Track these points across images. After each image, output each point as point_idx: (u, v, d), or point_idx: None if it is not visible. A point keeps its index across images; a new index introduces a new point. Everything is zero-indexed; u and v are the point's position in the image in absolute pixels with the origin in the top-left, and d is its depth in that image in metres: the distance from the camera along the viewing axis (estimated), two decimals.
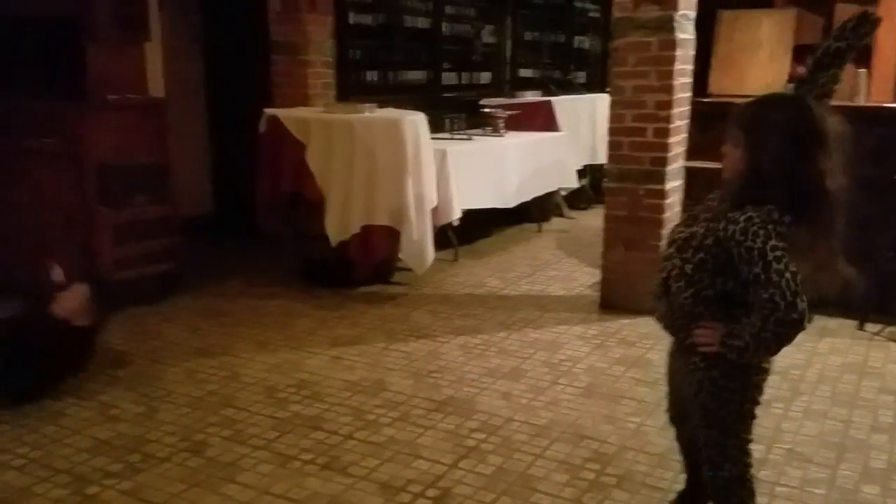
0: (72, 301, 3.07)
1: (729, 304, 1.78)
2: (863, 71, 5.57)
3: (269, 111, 4.57)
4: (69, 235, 4.10)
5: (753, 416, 1.89)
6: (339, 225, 4.30)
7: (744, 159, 1.75)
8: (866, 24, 1.85)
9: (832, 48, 1.83)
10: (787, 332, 1.65)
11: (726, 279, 1.75)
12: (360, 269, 4.51)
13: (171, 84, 5.17)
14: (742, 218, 1.68)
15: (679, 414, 2.11)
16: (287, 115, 4.49)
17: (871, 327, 3.90)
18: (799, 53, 6.10)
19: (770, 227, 1.66)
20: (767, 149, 1.70)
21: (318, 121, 4.39)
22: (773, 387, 3.04)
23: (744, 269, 1.68)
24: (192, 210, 5.34)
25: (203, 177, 6.04)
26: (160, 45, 4.90)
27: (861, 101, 5.10)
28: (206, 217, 5.90)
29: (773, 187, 1.69)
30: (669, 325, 1.90)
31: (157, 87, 4.89)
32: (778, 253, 1.64)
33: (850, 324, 3.93)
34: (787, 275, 1.62)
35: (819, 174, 1.68)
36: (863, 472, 2.55)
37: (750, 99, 1.83)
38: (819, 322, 3.95)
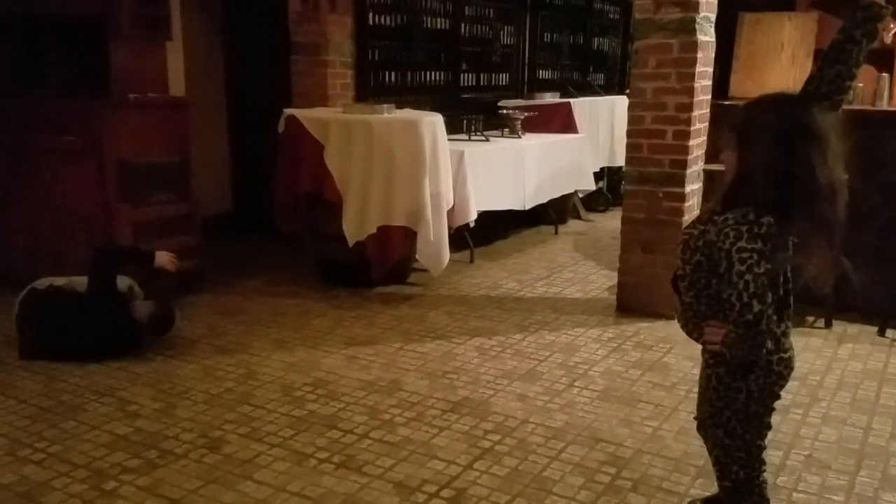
0: (165, 257, 3.70)
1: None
2: (885, 75, 5.51)
3: (288, 111, 4.60)
4: (91, 232, 4.15)
5: (763, 422, 1.88)
6: (356, 225, 4.31)
7: (736, 162, 1.77)
8: (869, 14, 1.83)
9: (835, 42, 1.82)
10: (743, 333, 1.67)
11: (720, 280, 1.76)
12: (377, 269, 4.52)
13: (193, 83, 5.22)
14: (720, 220, 1.72)
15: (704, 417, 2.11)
16: (306, 115, 4.51)
17: (891, 333, 3.85)
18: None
19: (743, 228, 1.66)
20: (755, 149, 1.71)
21: (336, 121, 4.41)
22: (791, 392, 3.01)
23: (721, 269, 1.72)
24: (212, 209, 5.38)
25: (223, 176, 6.09)
26: (182, 45, 4.94)
27: (883, 106, 5.04)
28: (226, 216, 5.95)
29: (762, 188, 1.68)
30: (683, 324, 1.94)
31: (178, 86, 4.94)
32: (744, 255, 1.64)
33: (870, 330, 3.89)
34: (748, 276, 1.63)
35: (811, 170, 1.65)
36: (882, 479, 2.52)
37: (744, 104, 1.85)
38: (839, 327, 3.91)
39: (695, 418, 2.13)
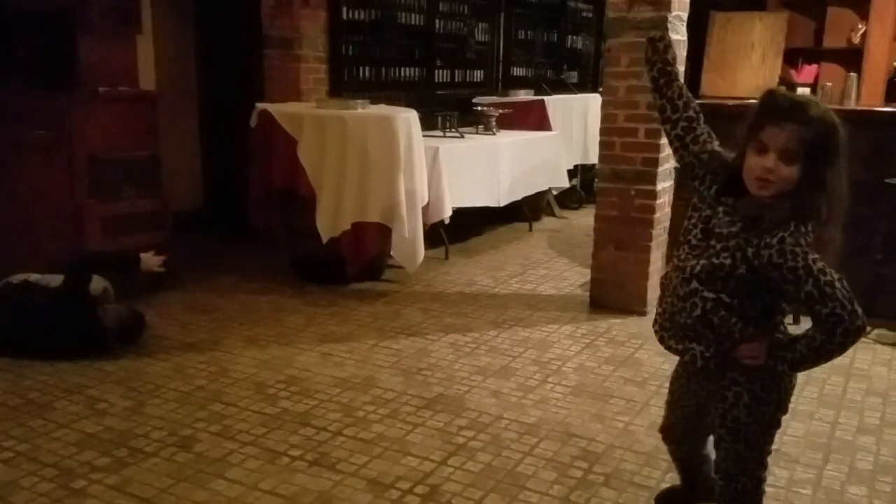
0: (151, 260, 3.68)
1: (769, 315, 1.76)
2: (853, 75, 5.62)
3: (260, 105, 4.56)
4: (59, 227, 4.08)
5: (780, 426, 1.89)
6: (330, 221, 4.29)
7: (799, 176, 1.62)
8: (659, 41, 1.93)
9: (655, 73, 1.92)
10: (853, 340, 1.63)
11: (766, 298, 1.72)
12: (352, 266, 4.51)
13: (164, 77, 5.15)
14: (775, 241, 1.61)
15: (685, 434, 2.10)
16: (279, 109, 4.47)
17: None
18: (790, 56, 6.15)
19: (803, 241, 1.61)
20: (833, 165, 1.63)
21: (310, 116, 4.38)
22: None
23: (790, 290, 1.63)
24: (183, 205, 5.32)
25: (195, 171, 6.02)
26: (152, 39, 4.88)
27: (852, 105, 5.13)
28: (198, 212, 5.88)
29: (821, 203, 1.63)
30: (705, 353, 1.78)
31: (148, 80, 4.87)
32: (821, 265, 1.59)
33: None
34: (838, 284, 1.59)
35: (848, 184, 1.66)
36: (849, 472, 2.57)
37: (808, 109, 1.63)
38: (806, 323, 3.97)
39: (664, 431, 2.12)
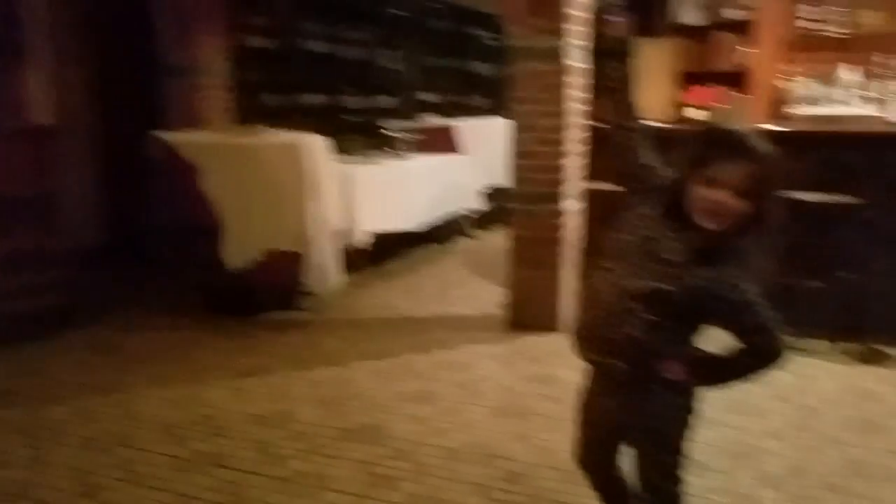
0: None
1: (694, 334, 1.81)
2: (740, 96, 5.96)
3: (159, 135, 4.41)
4: None
5: (693, 431, 1.93)
6: (238, 251, 4.19)
7: (747, 210, 1.65)
8: (618, 45, 2.01)
9: (610, 76, 1.94)
10: (776, 366, 1.70)
11: (700, 322, 1.77)
12: (263, 295, 4.40)
13: (60, 109, 4.91)
14: (719, 274, 1.66)
15: (603, 456, 2.07)
16: (180, 139, 4.35)
17: None
18: (682, 79, 6.46)
19: (743, 273, 1.66)
20: (772, 200, 1.66)
21: (212, 145, 4.28)
22: None
23: (728, 319, 1.69)
24: (84, 240, 5.06)
25: (96, 205, 5.74)
26: (47, 70, 4.65)
27: (740, 125, 5.43)
28: (101, 247, 5.60)
29: (765, 235, 1.68)
30: (626, 369, 1.80)
31: (42, 113, 4.63)
32: (758, 297, 1.65)
33: None
34: (771, 315, 1.66)
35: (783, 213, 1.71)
36: (759, 477, 2.67)
37: (755, 145, 1.66)
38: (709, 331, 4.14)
39: (580, 459, 2.08)
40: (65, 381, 3.49)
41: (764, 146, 1.68)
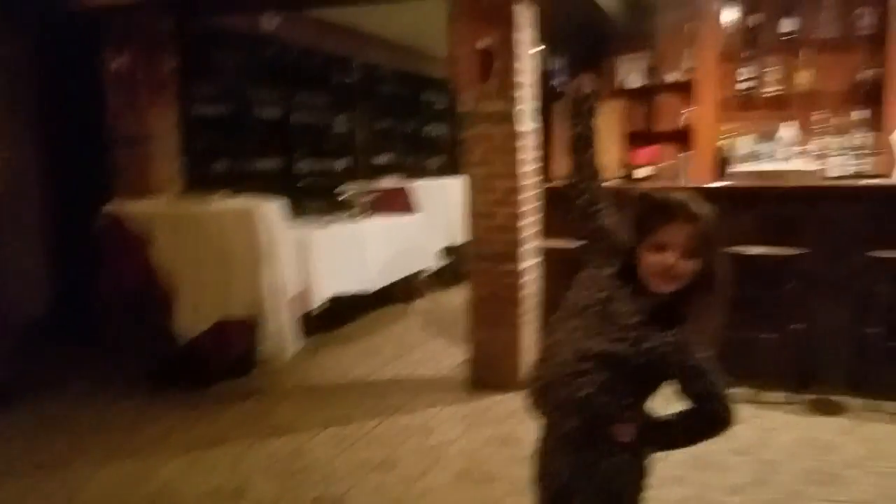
0: None
1: (646, 397, 1.81)
2: (684, 154, 6.16)
3: (107, 206, 4.34)
4: None
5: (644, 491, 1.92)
6: (190, 320, 4.09)
7: (696, 271, 1.69)
8: (584, 102, 1.98)
9: (575, 134, 1.96)
10: (726, 431, 1.72)
11: (653, 385, 1.78)
12: (216, 364, 4.29)
13: (5, 179, 4.80)
14: (673, 338, 1.68)
15: None
16: (128, 209, 4.28)
17: None
18: (628, 140, 6.67)
19: (697, 333, 1.69)
20: (715, 258, 1.71)
21: (161, 214, 4.22)
22: None
23: (681, 384, 1.70)
24: (29, 313, 4.89)
25: (42, 277, 5.57)
26: None
27: (683, 182, 5.60)
28: (47, 320, 5.41)
29: (713, 294, 1.71)
30: (579, 427, 1.80)
31: None
32: (710, 363, 1.68)
33: None
34: (721, 381, 1.68)
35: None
36: None
37: (694, 206, 1.71)
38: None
39: None
40: (8, 459, 3.32)
41: (701, 205, 1.73)
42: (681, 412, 1.75)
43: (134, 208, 4.32)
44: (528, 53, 4.22)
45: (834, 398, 3.98)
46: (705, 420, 1.72)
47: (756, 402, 3.91)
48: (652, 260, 1.71)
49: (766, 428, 3.61)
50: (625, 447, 1.81)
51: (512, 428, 3.65)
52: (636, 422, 1.78)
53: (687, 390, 1.71)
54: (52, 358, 4.86)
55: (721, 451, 3.33)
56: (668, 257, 1.69)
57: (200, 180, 5.34)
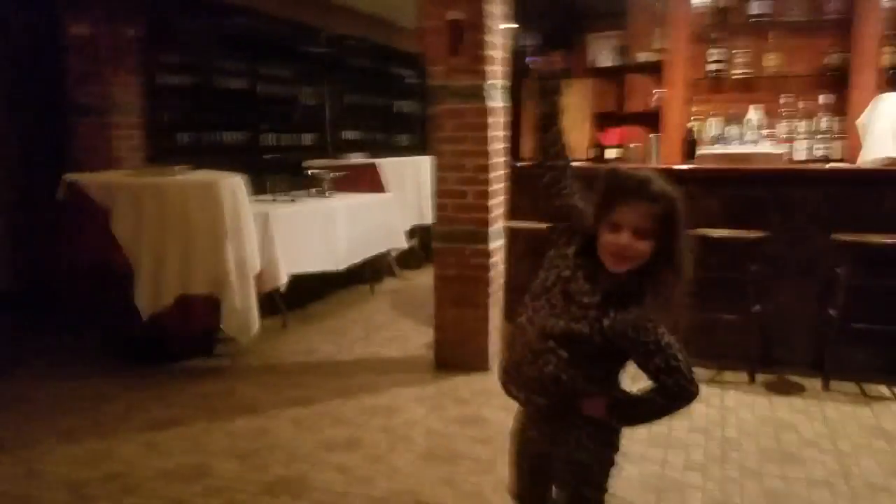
0: None
1: (611, 374, 1.82)
2: (654, 136, 6.17)
3: (68, 176, 4.21)
4: None
5: (616, 465, 1.94)
6: (151, 296, 4.00)
7: (652, 251, 1.68)
8: (550, 80, 2.03)
9: (541, 112, 1.98)
10: (688, 405, 1.73)
11: (614, 362, 1.79)
12: (178, 342, 4.22)
13: None
14: (629, 316, 1.68)
15: (532, 489, 2.07)
16: (89, 179, 4.16)
17: None
18: (597, 120, 6.66)
19: (654, 315, 1.68)
20: (679, 239, 1.70)
21: (123, 185, 4.10)
22: None
23: (640, 360, 1.71)
24: None
25: (3, 250, 5.41)
26: None
27: (653, 164, 5.62)
28: (5, 294, 5.27)
29: (671, 274, 1.70)
30: (548, 404, 1.83)
31: None
32: (668, 339, 1.67)
33: None
34: (681, 356, 1.67)
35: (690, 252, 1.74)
36: None
37: (653, 186, 1.70)
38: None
39: (514, 492, 2.09)
40: None
41: (664, 186, 1.72)
42: (648, 388, 1.76)
43: (95, 179, 4.20)
44: (500, 28, 4.16)
45: (793, 378, 4.05)
46: (668, 395, 1.73)
47: (717, 382, 3.96)
48: (607, 238, 1.71)
49: (725, 407, 3.66)
50: (594, 421, 1.83)
51: (478, 409, 3.65)
52: (605, 397, 1.80)
53: (646, 367, 1.71)
54: (13, 333, 4.74)
55: (682, 429, 3.38)
56: (622, 237, 1.68)
57: (164, 152, 5.22)
